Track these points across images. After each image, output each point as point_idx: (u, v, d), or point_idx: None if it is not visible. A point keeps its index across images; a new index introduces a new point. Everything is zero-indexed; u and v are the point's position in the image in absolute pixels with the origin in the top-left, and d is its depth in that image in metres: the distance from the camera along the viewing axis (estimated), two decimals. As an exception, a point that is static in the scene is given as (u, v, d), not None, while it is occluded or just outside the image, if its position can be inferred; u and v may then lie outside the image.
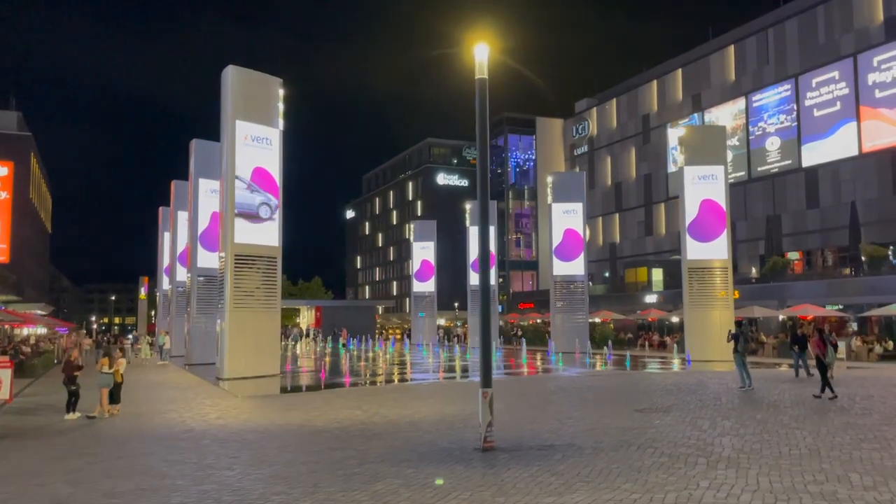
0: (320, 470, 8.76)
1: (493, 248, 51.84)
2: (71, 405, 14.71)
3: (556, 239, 42.81)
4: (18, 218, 67.52)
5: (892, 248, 39.92)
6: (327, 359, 35.82)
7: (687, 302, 32.42)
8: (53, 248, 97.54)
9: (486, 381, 10.03)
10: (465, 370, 27.50)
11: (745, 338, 17.92)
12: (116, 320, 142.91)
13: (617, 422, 12.15)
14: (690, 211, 32.71)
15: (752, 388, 17.47)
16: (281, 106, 26.15)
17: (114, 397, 15.65)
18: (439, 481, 7.93)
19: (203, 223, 33.00)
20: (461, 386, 21.03)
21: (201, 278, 32.56)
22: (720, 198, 32.64)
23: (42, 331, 67.90)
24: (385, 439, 10.91)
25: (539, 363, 31.09)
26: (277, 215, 25.89)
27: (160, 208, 50.09)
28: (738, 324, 18.53)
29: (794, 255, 47.15)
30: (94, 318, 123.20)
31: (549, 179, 43.92)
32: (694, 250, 32.60)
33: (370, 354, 39.58)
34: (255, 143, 25.36)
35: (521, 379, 22.87)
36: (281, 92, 26.22)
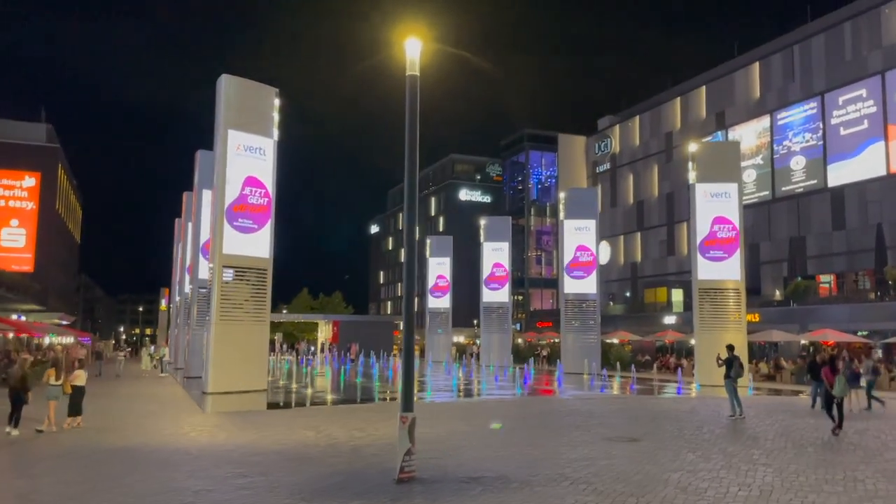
0: (198, 501, 8.12)
1: (508, 264, 51.01)
2: (13, 419, 14.15)
3: (568, 256, 41.85)
4: (45, 228, 68.78)
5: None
6: (328, 375, 35.26)
7: (697, 324, 31.19)
8: (85, 259, 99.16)
9: (407, 404, 9.29)
10: (467, 391, 26.71)
11: (737, 363, 16.78)
12: (147, 331, 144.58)
13: (574, 452, 11.29)
14: (702, 229, 31.57)
15: (742, 416, 16.37)
16: (276, 116, 25.83)
17: (75, 409, 15.25)
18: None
19: (205, 234, 32.76)
20: (447, 407, 20.26)
21: (203, 290, 32.29)
22: (734, 216, 31.47)
23: (68, 340, 68.80)
24: (312, 465, 10.23)
25: (538, 385, 30.04)
26: (269, 226, 25.49)
27: (176, 219, 50.34)
28: (730, 348, 17.41)
29: (825, 279, 45.41)
30: (122, 329, 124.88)
31: (562, 195, 43.06)
32: (706, 270, 31.42)
33: (374, 371, 38.89)
34: (248, 153, 25.04)
35: (508, 402, 21.96)
36: (277, 102, 25.91)
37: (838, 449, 11.75)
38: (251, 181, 24.99)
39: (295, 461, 10.53)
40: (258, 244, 25.17)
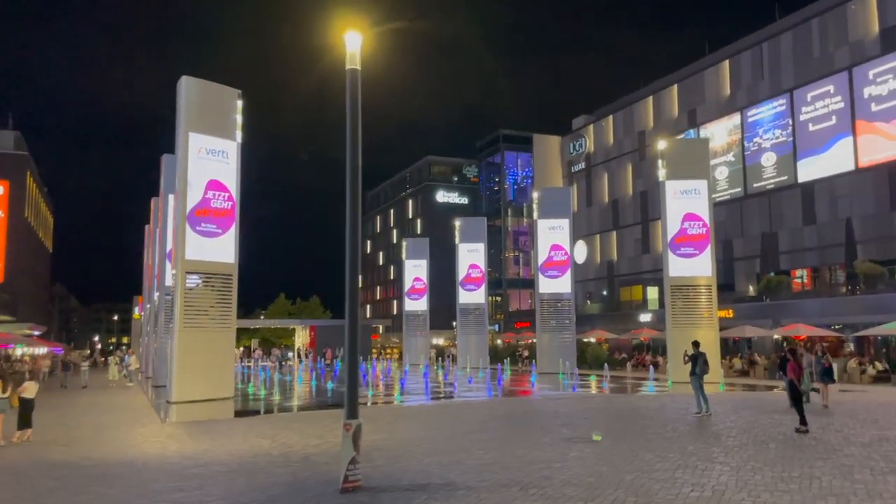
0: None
1: (484, 265, 50.82)
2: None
3: (543, 256, 41.73)
4: (14, 237, 67.43)
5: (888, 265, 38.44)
6: (300, 381, 34.78)
7: (670, 321, 31.13)
8: (59, 268, 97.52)
9: (352, 411, 8.95)
10: (437, 393, 26.40)
11: (703, 360, 16.59)
12: (124, 340, 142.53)
13: (529, 454, 11.02)
14: (672, 226, 31.56)
15: (709, 413, 16.21)
16: (239, 118, 25.35)
17: (25, 422, 14.76)
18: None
19: (171, 240, 32.23)
20: (412, 410, 19.94)
21: (168, 297, 31.68)
22: (704, 212, 31.48)
23: (41, 350, 67.51)
24: (254, 476, 9.86)
25: (510, 385, 29.77)
26: (233, 230, 25.02)
27: (146, 226, 49.55)
28: (696, 344, 17.21)
29: (800, 273, 45.61)
30: (97, 338, 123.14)
31: (535, 195, 42.93)
32: (677, 267, 31.40)
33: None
34: (211, 156, 24.57)
35: (476, 404, 21.66)
36: (240, 104, 25.43)
37: (799, 445, 11.58)
38: (214, 185, 24.51)
39: (237, 473, 10.16)
40: (223, 249, 24.69)
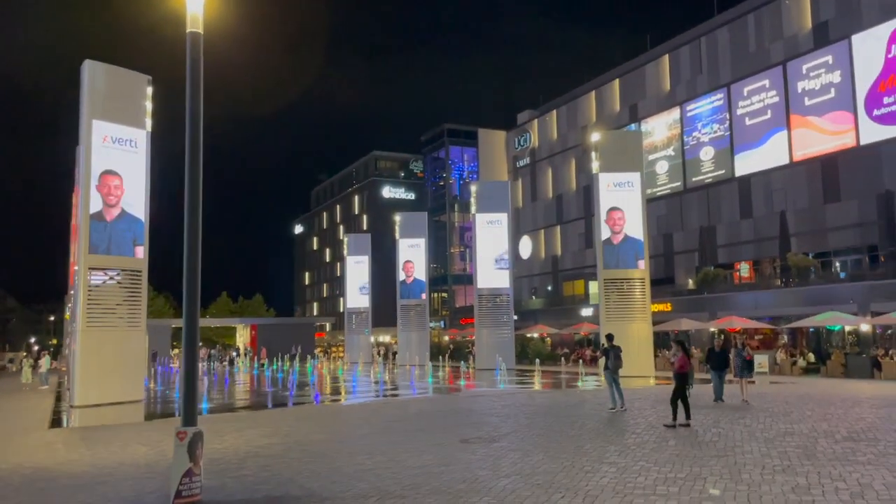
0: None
1: (424, 261, 50.05)
2: None
3: (481, 251, 41.14)
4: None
5: (817, 258, 38.90)
6: (219, 383, 33.50)
7: (603, 315, 30.82)
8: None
9: (189, 417, 7.99)
10: (361, 392, 25.48)
11: (614, 354, 15.98)
12: (53, 341, 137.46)
13: (414, 458, 10.20)
14: (605, 219, 31.24)
15: (624, 409, 15.66)
16: (149, 105, 24.02)
17: None
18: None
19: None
20: (318, 412, 19.00)
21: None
22: (636, 205, 31.22)
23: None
24: (97, 490, 8.87)
25: (440, 383, 28.96)
26: (143, 224, 23.67)
27: (72, 221, 47.42)
28: (609, 338, 16.66)
29: (742, 266, 45.86)
30: (34, 340, 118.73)
31: (473, 189, 42.29)
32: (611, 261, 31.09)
33: (275, 376, 37.17)
34: (117, 145, 23.19)
35: (392, 402, 20.80)
36: (149, 90, 24.08)
37: (699, 442, 11.01)
38: (112, 174, 23.11)
39: (83, 487, 9.12)
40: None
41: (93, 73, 22.86)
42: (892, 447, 10.06)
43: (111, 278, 22.97)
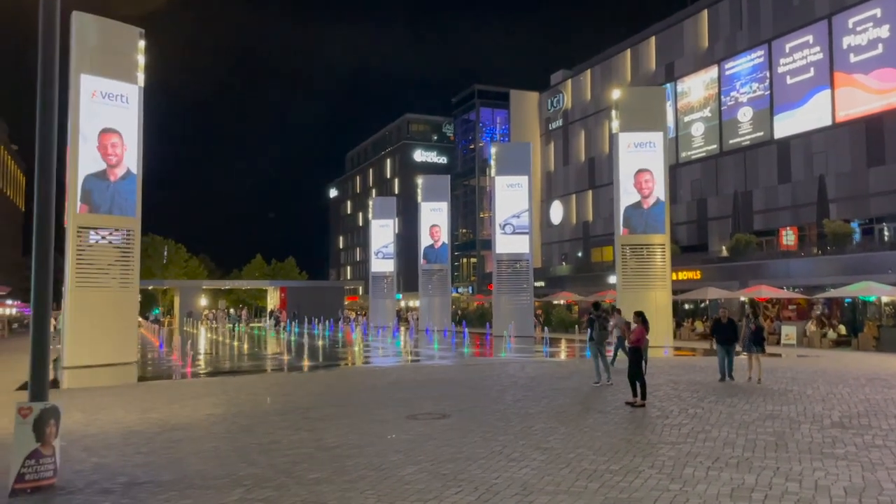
0: None
1: (446, 225, 49.03)
2: None
3: (500, 215, 39.85)
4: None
5: (858, 224, 36.59)
6: (232, 343, 33.24)
7: (620, 282, 29.40)
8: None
9: (39, 391, 7.11)
10: (366, 358, 24.81)
11: (600, 324, 14.69)
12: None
13: (335, 437, 9.22)
14: (626, 182, 29.61)
15: (610, 383, 14.46)
16: (142, 59, 23.23)
17: None
18: None
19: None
20: (297, 380, 18.31)
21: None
22: (658, 167, 29.49)
23: (12, 312, 66.06)
24: None
25: (443, 350, 27.89)
26: (135, 181, 23.10)
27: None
28: (596, 305, 15.35)
29: (785, 232, 43.52)
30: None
31: (493, 151, 40.86)
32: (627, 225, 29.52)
33: (293, 338, 36.79)
34: (108, 101, 22.52)
35: (371, 370, 19.96)
36: (142, 43, 23.27)
37: (665, 425, 9.72)
38: (111, 132, 22.52)
39: None
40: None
41: (81, 26, 22.12)
42: (882, 436, 8.74)
43: (103, 238, 22.51)
